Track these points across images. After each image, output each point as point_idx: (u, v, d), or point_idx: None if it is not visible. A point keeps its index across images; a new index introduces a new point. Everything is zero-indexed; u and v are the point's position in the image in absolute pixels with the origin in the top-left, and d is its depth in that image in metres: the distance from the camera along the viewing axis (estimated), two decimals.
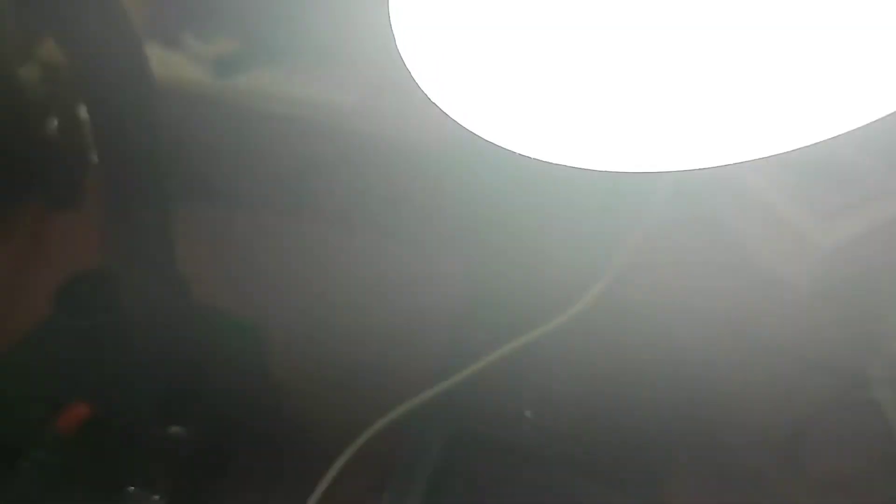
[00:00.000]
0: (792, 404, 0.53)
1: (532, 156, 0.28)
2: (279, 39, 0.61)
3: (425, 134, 0.57)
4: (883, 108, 0.26)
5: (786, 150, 0.27)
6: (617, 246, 0.49)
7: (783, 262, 0.60)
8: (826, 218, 0.57)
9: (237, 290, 0.55)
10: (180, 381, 0.48)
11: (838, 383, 0.54)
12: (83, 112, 0.57)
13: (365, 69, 0.61)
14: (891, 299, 0.57)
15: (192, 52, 0.60)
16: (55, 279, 0.47)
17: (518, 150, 0.28)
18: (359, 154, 0.59)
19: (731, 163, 0.28)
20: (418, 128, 0.58)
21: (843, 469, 0.50)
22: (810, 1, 0.23)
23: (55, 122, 0.58)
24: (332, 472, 0.47)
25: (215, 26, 0.61)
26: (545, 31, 0.24)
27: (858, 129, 0.27)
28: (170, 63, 0.59)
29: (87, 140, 0.55)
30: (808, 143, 0.27)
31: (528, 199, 0.51)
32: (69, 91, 0.56)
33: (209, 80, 0.60)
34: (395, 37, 0.27)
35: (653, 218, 0.49)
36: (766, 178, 0.60)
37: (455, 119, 0.28)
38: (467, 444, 0.49)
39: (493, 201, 0.55)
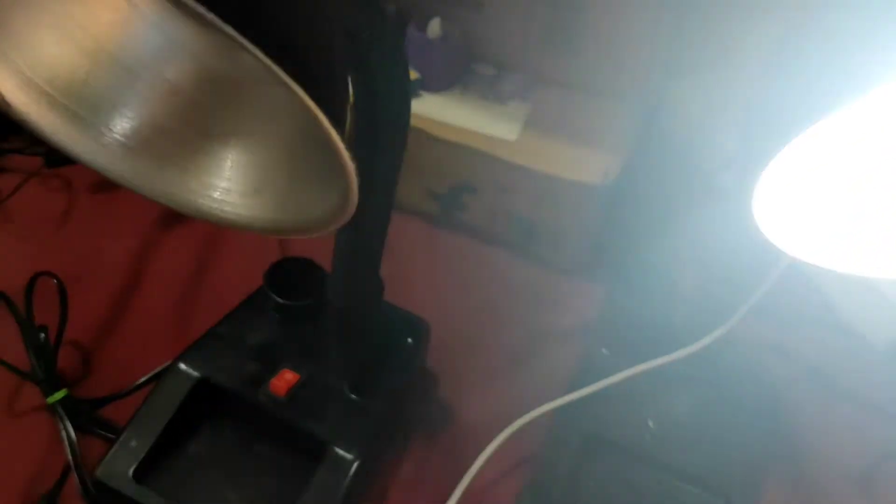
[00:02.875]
0: (865, 445, 0.62)
1: None
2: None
3: (572, 170, 0.66)
4: None
5: None
6: (739, 300, 0.58)
7: (866, 322, 0.68)
8: None
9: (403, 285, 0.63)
10: (365, 360, 0.57)
11: None
12: None
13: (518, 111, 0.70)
14: None
15: None
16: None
17: None
18: (511, 181, 0.68)
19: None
20: (563, 166, 0.67)
21: None
22: None
23: None
24: (486, 455, 0.56)
25: None
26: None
27: None
28: None
29: None
30: None
31: (667, 242, 0.60)
32: None
33: None
34: None
35: (773, 281, 0.57)
36: None
37: None
38: (597, 444, 0.58)
39: (632, 235, 0.64)
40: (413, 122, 0.68)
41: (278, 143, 0.34)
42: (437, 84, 0.70)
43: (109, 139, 0.33)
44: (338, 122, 0.30)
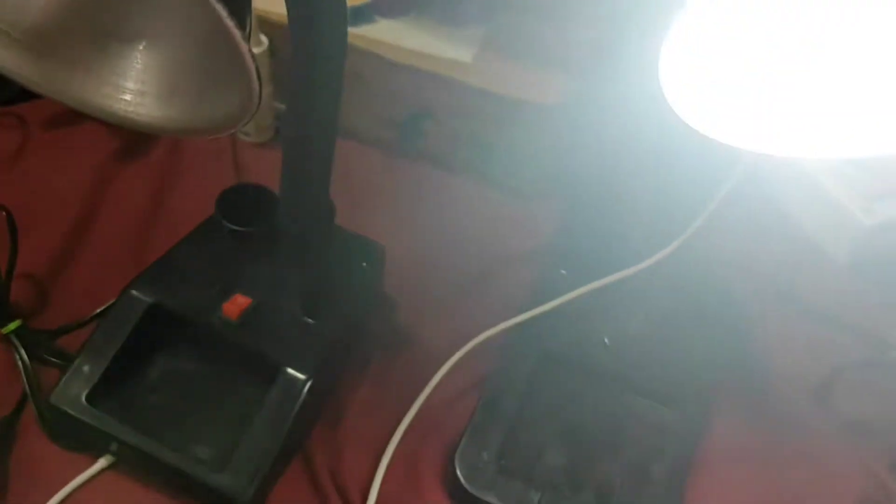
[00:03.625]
0: (823, 357, 0.62)
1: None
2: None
3: (530, 91, 0.65)
4: None
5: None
6: (696, 211, 0.58)
7: (826, 235, 0.68)
8: (869, 199, 0.66)
9: (362, 214, 0.63)
10: (318, 283, 0.57)
11: (865, 343, 0.63)
12: None
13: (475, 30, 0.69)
14: None
15: None
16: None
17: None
18: (469, 104, 0.67)
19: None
20: (521, 87, 0.66)
21: (868, 415, 0.59)
22: None
23: None
24: (441, 374, 0.56)
25: None
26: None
27: None
28: None
29: None
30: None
31: (622, 160, 0.59)
32: None
33: None
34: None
35: (728, 190, 0.57)
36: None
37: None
38: (553, 362, 0.58)
39: (589, 156, 0.63)
40: (368, 47, 0.68)
41: (188, 44, 0.34)
42: (391, 10, 0.69)
43: (14, 42, 0.33)
44: (239, 20, 0.30)
